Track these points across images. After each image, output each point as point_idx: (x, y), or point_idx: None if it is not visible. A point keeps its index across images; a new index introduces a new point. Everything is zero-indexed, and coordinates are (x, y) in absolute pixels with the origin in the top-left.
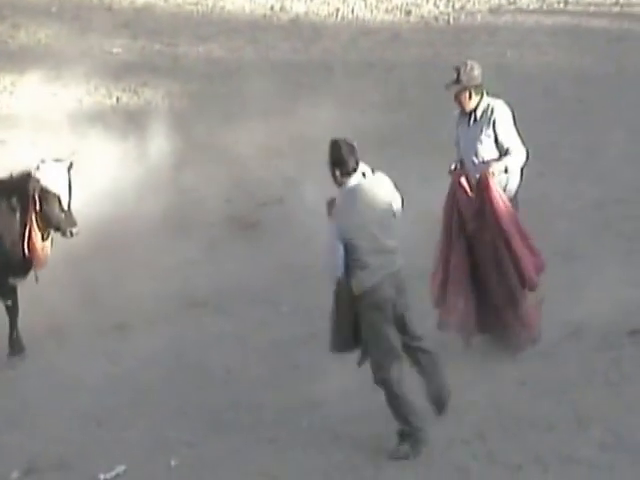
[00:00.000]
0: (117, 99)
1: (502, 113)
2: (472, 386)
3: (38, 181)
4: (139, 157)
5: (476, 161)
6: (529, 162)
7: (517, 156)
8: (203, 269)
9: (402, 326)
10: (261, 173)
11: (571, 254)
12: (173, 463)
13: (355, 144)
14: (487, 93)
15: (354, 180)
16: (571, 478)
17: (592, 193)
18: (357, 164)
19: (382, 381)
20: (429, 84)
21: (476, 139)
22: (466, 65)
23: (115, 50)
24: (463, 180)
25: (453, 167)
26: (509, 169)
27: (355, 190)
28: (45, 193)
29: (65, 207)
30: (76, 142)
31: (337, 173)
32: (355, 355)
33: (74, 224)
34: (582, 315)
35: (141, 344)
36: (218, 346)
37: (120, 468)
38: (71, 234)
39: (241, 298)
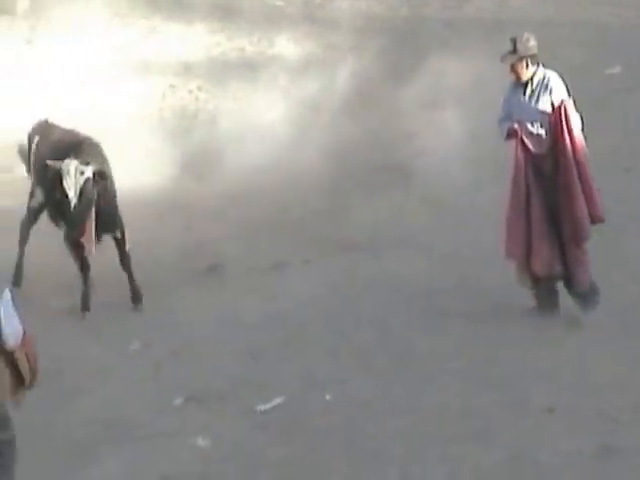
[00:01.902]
0: (279, 49)
1: (558, 83)
2: None
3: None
4: (300, 106)
5: (533, 131)
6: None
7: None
8: (359, 213)
9: None
10: (416, 124)
11: None
12: (328, 398)
13: None
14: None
15: None
16: None
17: None
18: None
19: None
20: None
21: (535, 107)
22: (522, 36)
23: (278, 3)
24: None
25: (514, 126)
26: None
27: None
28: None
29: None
30: (238, 89)
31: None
32: None
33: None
34: None
35: (297, 284)
36: (370, 289)
37: (277, 400)
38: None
39: (395, 242)
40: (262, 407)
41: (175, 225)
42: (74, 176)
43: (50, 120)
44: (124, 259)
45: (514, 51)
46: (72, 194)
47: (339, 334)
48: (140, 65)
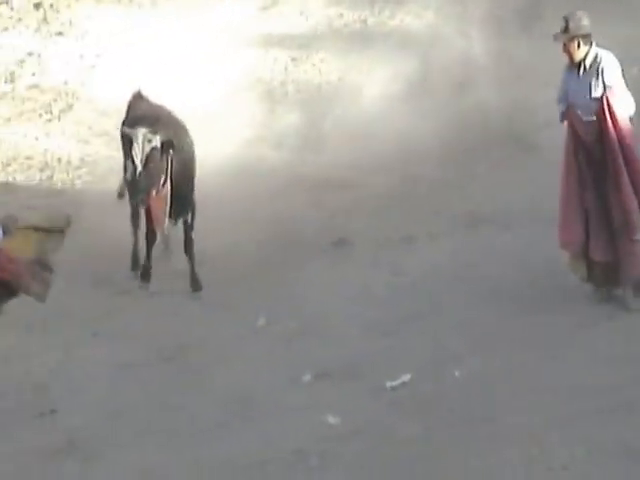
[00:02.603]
0: (400, 20)
1: (611, 63)
2: None
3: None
4: (422, 77)
5: (582, 116)
6: None
7: (627, 102)
8: (487, 185)
9: None
10: (543, 95)
11: None
12: (457, 373)
13: None
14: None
15: None
16: None
17: None
18: None
19: None
20: None
21: (586, 89)
22: (575, 14)
23: None
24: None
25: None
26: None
27: None
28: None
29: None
30: (361, 61)
31: None
32: None
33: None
34: None
35: (425, 257)
36: (500, 262)
37: (406, 377)
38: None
39: (524, 214)
40: (391, 383)
41: (301, 199)
42: (141, 143)
43: (143, 92)
44: (188, 244)
45: (566, 30)
46: (137, 160)
47: (469, 308)
48: (262, 39)
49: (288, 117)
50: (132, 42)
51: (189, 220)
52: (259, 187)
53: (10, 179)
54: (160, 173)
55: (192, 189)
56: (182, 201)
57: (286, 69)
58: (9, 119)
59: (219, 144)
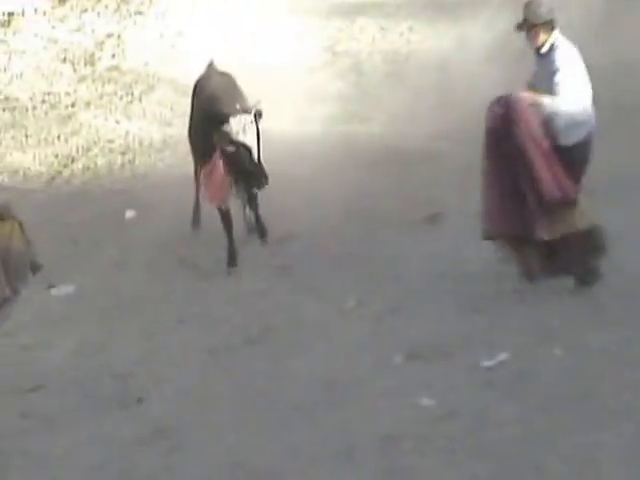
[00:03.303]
0: None
1: (564, 52)
2: None
3: (226, 134)
4: (512, 41)
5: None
6: None
7: (557, 100)
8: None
9: None
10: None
11: None
12: (557, 351)
13: None
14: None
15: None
16: None
17: None
18: None
19: None
20: None
21: (543, 77)
22: (532, 3)
23: None
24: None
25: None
26: (545, 109)
27: None
28: (235, 146)
29: (255, 161)
30: (450, 29)
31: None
32: None
33: (264, 179)
34: None
35: None
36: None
37: (502, 356)
38: (258, 188)
39: (630, 186)
40: (487, 363)
41: (390, 172)
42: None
43: (214, 63)
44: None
45: (525, 19)
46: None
47: (569, 284)
48: (348, 8)
49: (376, 90)
50: (212, 19)
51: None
52: (347, 163)
53: (91, 164)
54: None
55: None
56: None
57: (373, 39)
58: (89, 103)
59: (304, 120)
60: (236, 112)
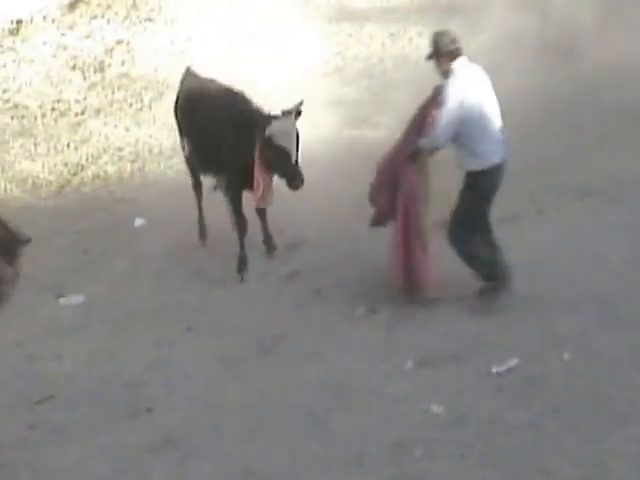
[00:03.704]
0: None
1: (457, 82)
2: None
3: (267, 135)
4: (527, 47)
5: None
6: None
7: (434, 133)
8: (595, 159)
9: None
10: None
11: None
12: (566, 356)
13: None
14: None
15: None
16: None
17: None
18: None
19: None
20: None
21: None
22: (436, 34)
23: None
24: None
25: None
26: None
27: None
28: (274, 148)
29: (293, 162)
30: (459, 32)
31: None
32: None
33: (300, 179)
34: None
35: (531, 235)
36: (612, 237)
37: (512, 361)
38: (295, 188)
39: (635, 187)
40: (497, 368)
41: None
42: (295, 136)
43: (192, 68)
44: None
45: (430, 50)
46: (294, 152)
47: (578, 287)
48: (357, 14)
49: (386, 95)
50: (222, 26)
51: None
52: (358, 167)
53: (101, 172)
54: None
55: None
56: None
57: (383, 45)
58: (99, 110)
59: (314, 125)
60: (278, 115)
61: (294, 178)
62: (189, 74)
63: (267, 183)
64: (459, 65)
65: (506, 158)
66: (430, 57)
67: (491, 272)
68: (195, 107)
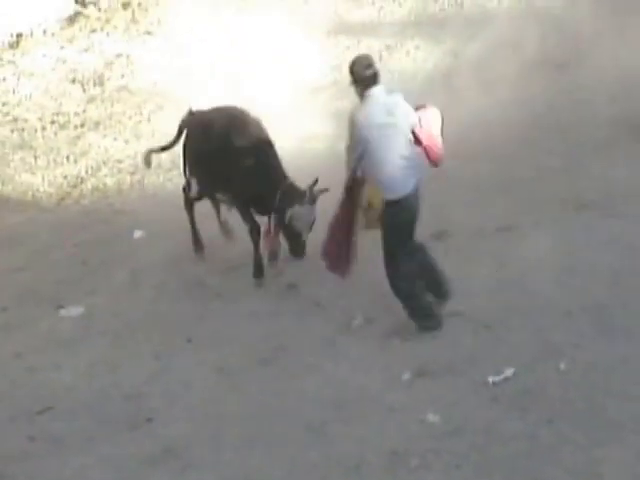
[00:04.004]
0: (498, 1)
1: (355, 111)
2: None
3: (288, 219)
4: (523, 60)
5: None
6: None
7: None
8: (590, 171)
9: None
10: None
11: None
12: (562, 366)
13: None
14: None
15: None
16: None
17: None
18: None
19: None
20: None
21: None
22: (353, 60)
23: None
24: None
25: None
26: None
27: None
28: (290, 228)
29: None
30: (455, 45)
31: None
32: None
33: (303, 252)
34: None
35: (527, 246)
36: (607, 249)
37: (509, 371)
38: (297, 258)
39: (631, 200)
40: (493, 379)
41: None
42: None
43: (194, 109)
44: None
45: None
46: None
47: (573, 298)
48: (354, 28)
49: None
50: (220, 39)
51: None
52: None
53: (101, 184)
54: None
55: None
56: None
57: (380, 58)
58: (98, 123)
59: (310, 138)
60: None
61: (298, 252)
62: (194, 114)
63: (276, 241)
64: (374, 92)
65: (415, 190)
66: (350, 83)
67: (413, 312)
68: (210, 141)
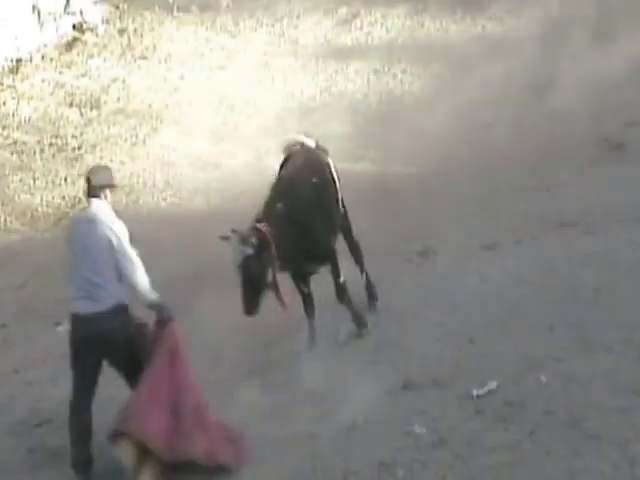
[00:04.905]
0: (482, 27)
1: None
2: None
3: None
4: (504, 85)
5: None
6: None
7: None
8: (571, 190)
9: None
10: (628, 94)
11: None
12: (544, 380)
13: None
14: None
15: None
16: None
17: None
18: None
19: None
20: None
21: None
22: (89, 171)
23: None
24: None
25: None
26: None
27: None
28: None
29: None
30: (444, 71)
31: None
32: None
33: None
34: None
35: (510, 263)
36: (587, 265)
37: (492, 384)
38: None
39: (610, 218)
40: (477, 392)
41: (385, 209)
42: None
43: (302, 142)
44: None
45: None
46: None
47: (555, 313)
48: (343, 52)
49: (371, 130)
50: (213, 63)
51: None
52: (345, 199)
53: None
54: None
55: None
56: None
57: (368, 81)
58: (95, 145)
59: None
60: None
61: None
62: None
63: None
64: (89, 205)
65: (87, 315)
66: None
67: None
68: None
